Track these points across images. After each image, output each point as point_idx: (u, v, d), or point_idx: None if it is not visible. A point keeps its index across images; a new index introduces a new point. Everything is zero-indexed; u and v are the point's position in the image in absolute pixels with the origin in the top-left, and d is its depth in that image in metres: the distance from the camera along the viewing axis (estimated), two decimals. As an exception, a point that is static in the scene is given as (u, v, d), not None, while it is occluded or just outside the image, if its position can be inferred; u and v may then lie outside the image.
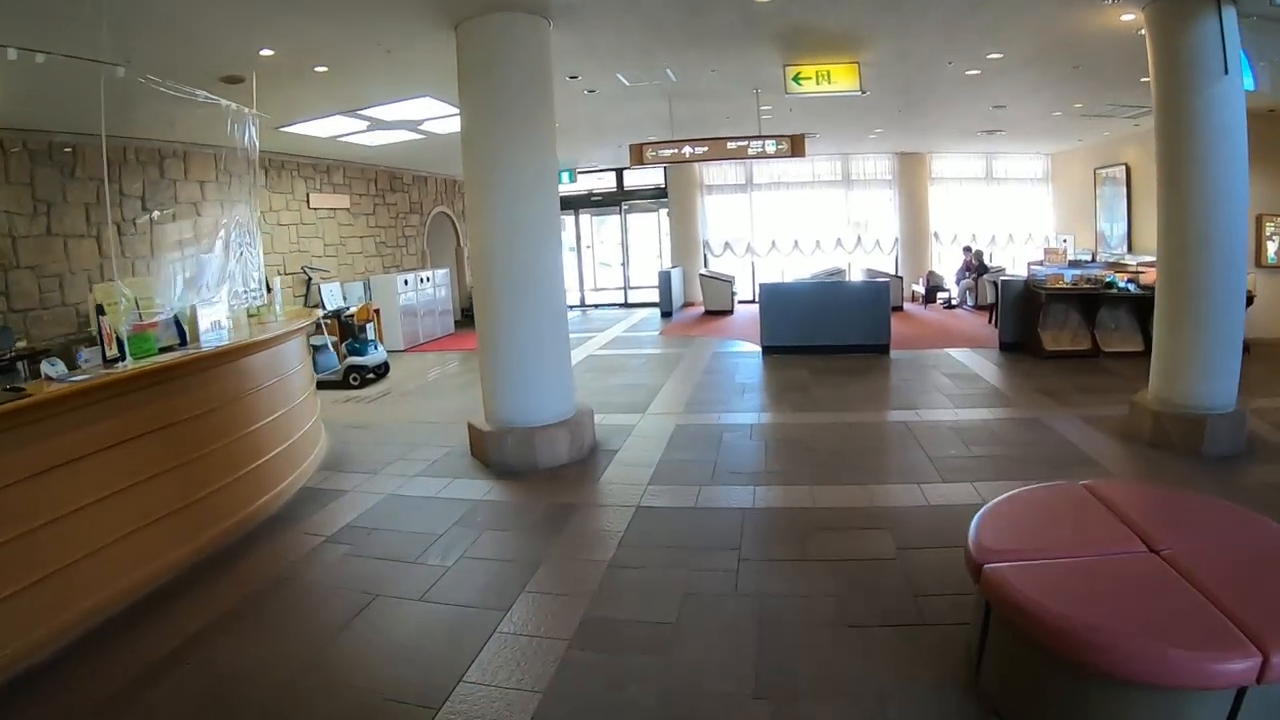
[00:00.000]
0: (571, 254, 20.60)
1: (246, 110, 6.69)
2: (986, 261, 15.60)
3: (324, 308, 11.35)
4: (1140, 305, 9.92)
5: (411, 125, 10.06)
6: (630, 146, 10.29)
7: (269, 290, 6.97)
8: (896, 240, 17.45)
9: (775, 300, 10.62)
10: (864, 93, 8.18)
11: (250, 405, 5.31)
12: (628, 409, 7.79)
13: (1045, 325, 9.96)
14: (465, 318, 17.07)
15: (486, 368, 6.28)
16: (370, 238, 14.06)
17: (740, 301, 16.70)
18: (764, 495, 5.12)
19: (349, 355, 10.27)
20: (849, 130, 12.97)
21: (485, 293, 6.13)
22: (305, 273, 12.14)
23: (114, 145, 8.99)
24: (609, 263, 19.61)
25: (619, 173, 17.94)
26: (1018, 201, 17.43)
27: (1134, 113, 11.10)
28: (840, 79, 7.76)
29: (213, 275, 6.28)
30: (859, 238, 17.46)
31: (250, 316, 6.77)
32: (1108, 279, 10.19)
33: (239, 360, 5.22)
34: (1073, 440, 6.22)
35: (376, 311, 12.45)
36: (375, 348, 10.56)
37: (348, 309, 11.08)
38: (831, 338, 10.35)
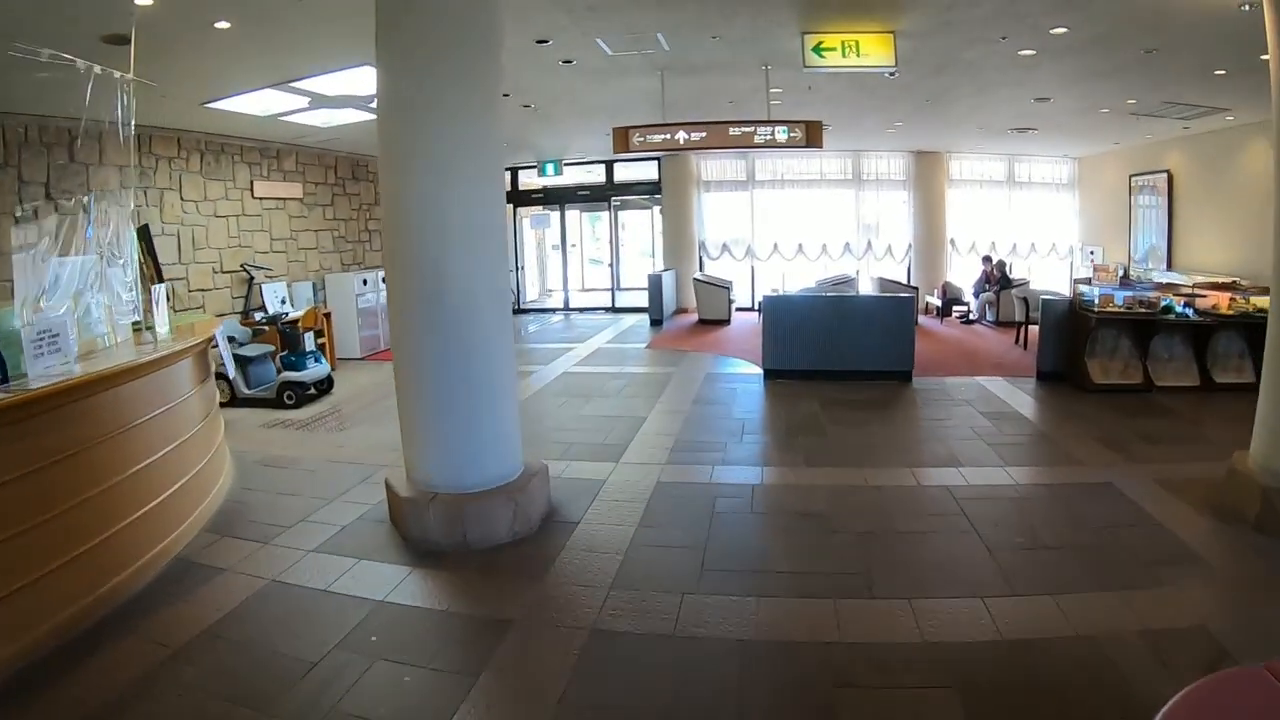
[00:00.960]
0: (556, 252, 19.22)
1: (117, 74, 5.22)
2: (1009, 273, 14.20)
3: (265, 312, 9.92)
4: (1197, 333, 8.59)
5: (361, 103, 8.60)
6: (615, 130, 8.86)
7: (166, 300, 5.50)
8: (910, 247, 16.06)
9: (780, 315, 9.18)
10: (894, 72, 6.79)
11: (101, 458, 3.93)
12: (598, 454, 6.36)
13: (1093, 353, 8.56)
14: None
15: (403, 412, 4.86)
16: (327, 232, 12.59)
17: (738, 309, 15.28)
18: (770, 616, 3.69)
19: (284, 369, 8.82)
20: (866, 122, 11.53)
21: (400, 312, 4.72)
22: (246, 271, 10.69)
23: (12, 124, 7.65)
24: (600, 259, 18.16)
25: (609, 165, 16.48)
26: (1040, 208, 16.06)
27: (1192, 113, 9.75)
28: (871, 51, 6.38)
29: (67, 283, 4.81)
30: (869, 243, 16.06)
31: (137, 331, 5.39)
32: (1163, 302, 8.79)
33: (82, 401, 3.80)
34: (1158, 518, 4.82)
35: (327, 316, 11.00)
36: (316, 360, 9.12)
37: (287, 314, 9.60)
38: (846, 362, 8.93)
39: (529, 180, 17.36)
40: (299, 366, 8.80)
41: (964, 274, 15.70)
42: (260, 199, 11.13)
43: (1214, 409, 7.72)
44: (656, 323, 14.33)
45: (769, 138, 8.60)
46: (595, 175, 16.80)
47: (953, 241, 16.20)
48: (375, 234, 13.82)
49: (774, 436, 6.89)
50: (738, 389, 8.76)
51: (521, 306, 17.79)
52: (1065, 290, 14.79)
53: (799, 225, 16.11)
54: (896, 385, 8.73)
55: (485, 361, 4.70)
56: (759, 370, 9.39)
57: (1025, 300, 11.14)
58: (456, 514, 4.53)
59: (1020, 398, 8.21)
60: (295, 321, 9.15)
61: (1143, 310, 8.61)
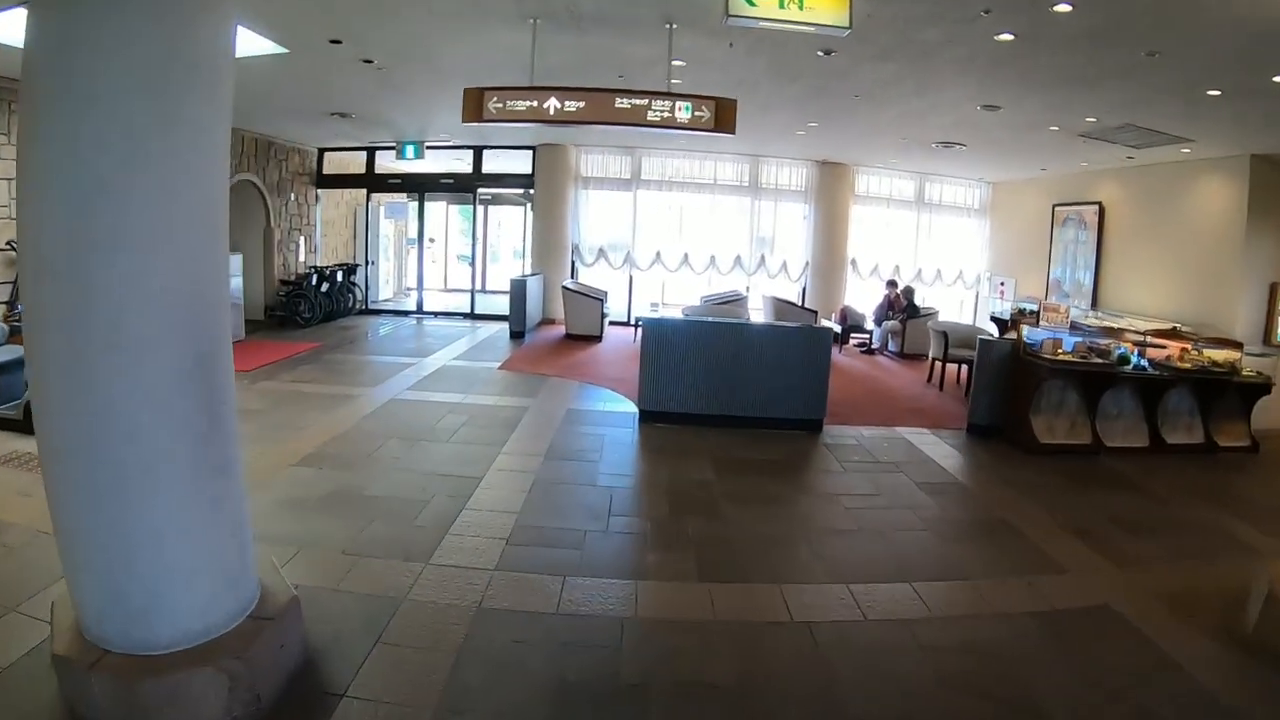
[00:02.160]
0: (412, 247, 16.81)
1: None
2: (914, 300, 12.89)
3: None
4: (1148, 388, 7.31)
5: None
6: (466, 92, 6.73)
7: None
8: (807, 265, 14.55)
9: (663, 343, 7.19)
10: (846, 32, 4.98)
11: None
12: (402, 546, 4.21)
13: (1039, 408, 7.08)
14: (270, 319, 12.97)
15: (53, 516, 2.67)
16: None
17: (612, 323, 13.31)
18: None
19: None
20: (776, 118, 9.75)
21: (36, 357, 2.58)
22: (14, 249, 7.91)
23: None
24: (469, 256, 15.86)
25: (477, 152, 14.20)
26: (948, 233, 14.89)
27: (1149, 140, 8.52)
28: (819, 5, 4.56)
29: None
30: (763, 258, 14.43)
31: None
32: (1117, 351, 7.43)
33: None
34: (1189, 667, 3.32)
35: None
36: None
37: None
38: (744, 406, 7.10)
39: (387, 164, 14.87)
40: None
41: (864, 298, 14.38)
42: None
43: (1172, 478, 6.56)
44: (518, 335, 12.16)
45: (666, 114, 6.62)
46: (463, 163, 14.49)
47: (854, 262, 14.81)
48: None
49: (653, 521, 4.88)
50: (606, 436, 6.73)
51: (370, 306, 15.25)
52: (970, 320, 13.80)
53: (686, 233, 14.32)
54: (805, 438, 6.97)
55: (186, 434, 2.61)
56: (634, 409, 7.45)
57: (944, 335, 9.69)
58: (128, 692, 2.44)
59: (957, 460, 6.62)
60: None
61: (1098, 361, 7.21)
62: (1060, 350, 7.24)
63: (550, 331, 13.03)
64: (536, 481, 5.42)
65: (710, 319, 8.43)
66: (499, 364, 9.85)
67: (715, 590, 3.92)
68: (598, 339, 12.26)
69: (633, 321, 13.02)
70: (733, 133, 6.65)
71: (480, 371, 9.34)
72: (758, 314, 12.99)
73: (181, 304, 2.62)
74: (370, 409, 7.31)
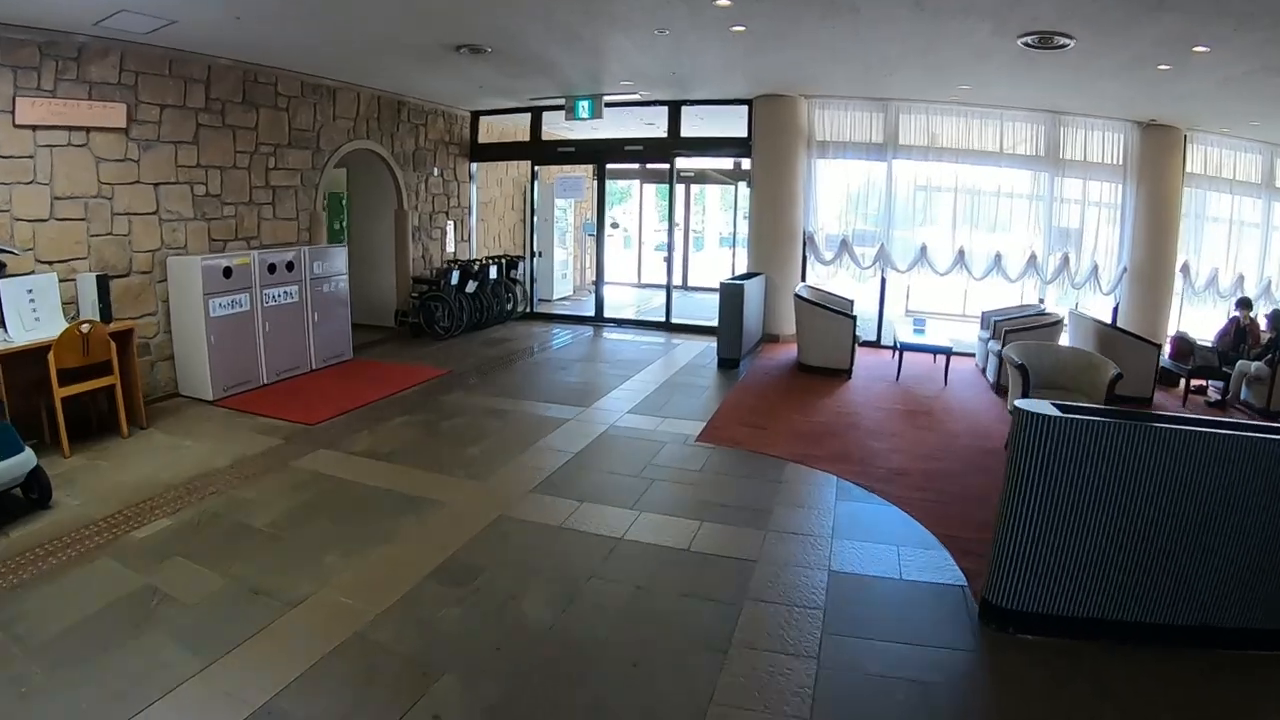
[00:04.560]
0: (614, 233, 14.09)
1: None
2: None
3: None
4: None
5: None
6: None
7: None
8: (1124, 271, 10.14)
9: (1063, 465, 3.33)
10: None
11: None
12: None
13: None
14: (402, 325, 10.57)
15: None
16: (183, 186, 7.51)
17: (863, 344, 9.66)
18: None
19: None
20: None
21: None
22: None
23: None
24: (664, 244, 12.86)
25: (674, 110, 10.92)
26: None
27: None
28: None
29: None
30: (1066, 259, 10.17)
31: None
32: None
33: None
34: None
35: (125, 334, 6.10)
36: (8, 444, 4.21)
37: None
38: (1201, 605, 3.34)
39: (557, 129, 11.98)
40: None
41: (1198, 319, 10.10)
42: (32, 128, 6.15)
43: None
44: (730, 364, 8.85)
45: None
46: (656, 126, 11.25)
47: (1184, 269, 10.26)
48: (284, 195, 8.70)
49: None
50: (914, 664, 3.21)
51: (537, 308, 12.52)
52: None
53: (961, 220, 10.34)
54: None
55: None
56: (960, 582, 3.92)
57: None
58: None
59: None
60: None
61: None
62: None
63: (774, 355, 9.61)
64: None
65: (1182, 424, 3.80)
66: (698, 430, 6.48)
67: None
68: (845, 374, 8.65)
69: (894, 344, 9.31)
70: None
71: (667, 446, 6.04)
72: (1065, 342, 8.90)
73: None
74: (456, 540, 4.29)
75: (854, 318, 8.81)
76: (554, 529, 4.47)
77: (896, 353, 8.89)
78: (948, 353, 8.71)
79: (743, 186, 12.83)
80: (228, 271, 7.30)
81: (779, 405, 7.37)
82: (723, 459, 5.78)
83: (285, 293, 7.97)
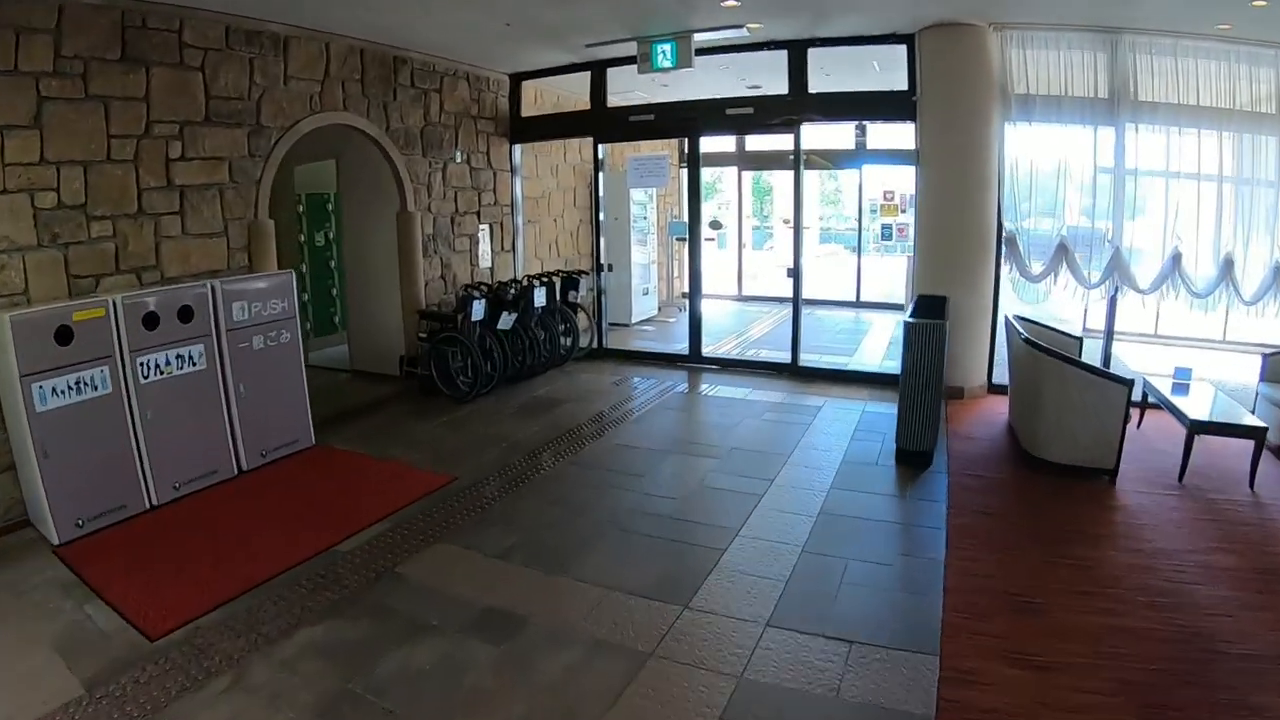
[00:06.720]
0: (681, 241, 10.58)
1: None
2: None
3: None
4: None
5: None
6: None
7: None
8: None
9: None
10: None
11: None
12: None
13: None
14: (409, 379, 7.43)
15: None
16: (15, 196, 4.45)
17: (1136, 404, 5.87)
18: None
19: None
20: None
21: None
22: None
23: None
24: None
25: (797, 51, 7.34)
26: None
27: None
28: None
29: None
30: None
31: None
32: None
33: None
34: None
35: None
36: None
37: None
38: None
39: (627, 89, 8.48)
40: None
41: None
42: None
43: None
44: (918, 460, 5.23)
45: None
46: (776, 77, 7.66)
47: None
48: (196, 193, 5.51)
49: None
50: None
51: (600, 342, 9.05)
52: None
53: (1221, 218, 6.33)
54: None
55: None
56: None
57: None
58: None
59: None
60: None
61: None
62: None
63: (970, 429, 5.97)
64: None
65: None
66: (916, 672, 2.88)
67: None
68: (1108, 475, 4.92)
69: (1142, 399, 5.53)
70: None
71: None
72: None
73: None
74: None
75: (1129, 384, 4.98)
76: None
77: (1186, 436, 5.03)
78: (1260, 435, 4.85)
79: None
80: (64, 333, 4.21)
81: (1044, 574, 3.75)
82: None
83: (180, 357, 4.85)
